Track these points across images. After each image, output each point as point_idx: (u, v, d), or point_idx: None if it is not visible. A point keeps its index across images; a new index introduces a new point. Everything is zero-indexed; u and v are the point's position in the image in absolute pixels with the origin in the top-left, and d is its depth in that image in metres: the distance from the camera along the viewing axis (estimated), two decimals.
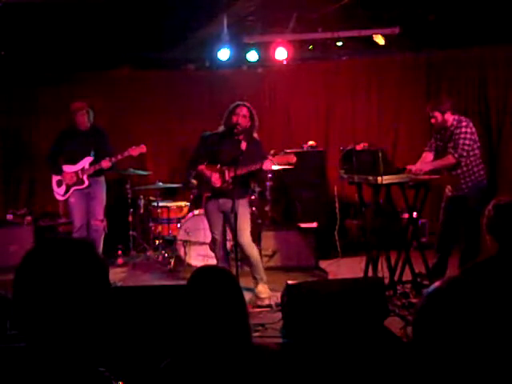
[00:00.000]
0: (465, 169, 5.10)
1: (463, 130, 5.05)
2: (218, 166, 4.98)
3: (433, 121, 5.22)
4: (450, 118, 5.14)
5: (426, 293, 1.34)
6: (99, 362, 1.37)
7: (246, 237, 5.01)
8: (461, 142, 5.03)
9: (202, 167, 5.08)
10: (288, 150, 7.26)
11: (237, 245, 4.94)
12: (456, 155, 5.03)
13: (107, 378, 1.35)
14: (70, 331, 1.32)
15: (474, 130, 5.12)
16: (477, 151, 5.14)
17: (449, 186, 5.27)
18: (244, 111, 4.96)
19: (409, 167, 5.15)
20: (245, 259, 5.14)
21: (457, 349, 1.23)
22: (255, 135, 5.06)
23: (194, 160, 5.20)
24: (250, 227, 5.12)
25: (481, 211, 5.12)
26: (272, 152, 5.15)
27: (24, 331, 1.32)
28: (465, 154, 5.04)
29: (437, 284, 1.35)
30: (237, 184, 4.85)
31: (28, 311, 1.31)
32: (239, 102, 5.05)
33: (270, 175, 6.41)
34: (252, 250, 5.06)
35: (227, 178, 4.88)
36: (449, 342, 1.24)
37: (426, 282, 5.08)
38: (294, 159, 4.82)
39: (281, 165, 4.94)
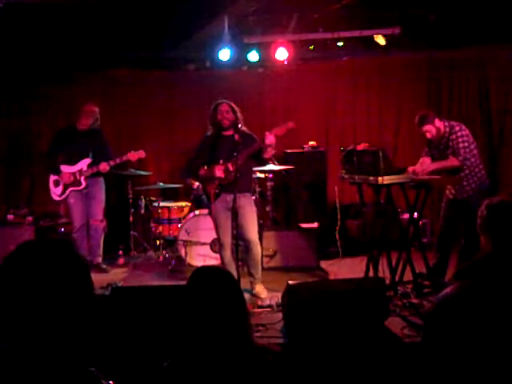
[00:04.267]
0: (467, 171, 5.09)
1: (459, 134, 5.06)
2: (221, 161, 5.03)
3: (429, 136, 5.16)
4: (440, 124, 5.13)
5: (437, 299, 1.34)
6: (88, 362, 1.37)
7: (254, 233, 5.09)
8: (461, 145, 5.03)
9: (202, 171, 5.14)
10: (289, 151, 7.29)
11: (238, 244, 4.95)
12: (460, 158, 5.02)
13: (96, 377, 1.35)
14: (54, 330, 1.32)
15: (467, 131, 5.13)
16: (475, 151, 5.14)
17: (450, 188, 5.26)
18: (225, 107, 5.07)
19: (411, 169, 5.15)
20: (246, 256, 5.17)
21: (466, 353, 1.23)
22: (243, 128, 5.09)
23: (193, 163, 5.25)
24: (256, 224, 5.18)
25: None
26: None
27: (8, 332, 1.32)
28: (468, 156, 5.05)
29: (447, 291, 1.35)
30: (241, 175, 4.88)
31: (11, 312, 1.32)
32: (218, 101, 5.16)
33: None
34: (257, 248, 5.11)
35: (231, 169, 4.94)
36: (458, 347, 1.24)
37: (426, 283, 5.09)
38: (291, 125, 4.89)
39: (280, 134, 4.96)
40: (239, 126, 5.02)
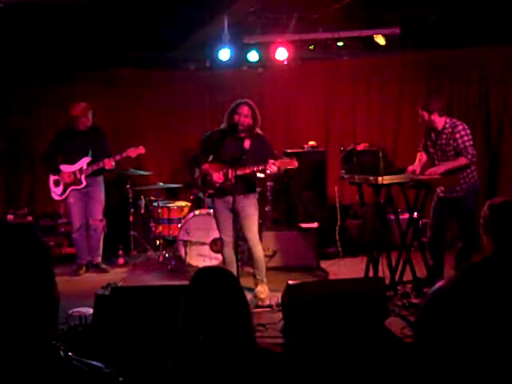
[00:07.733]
0: (459, 172, 5.11)
1: (463, 133, 5.07)
2: (222, 165, 4.97)
3: (420, 120, 5.26)
4: (437, 119, 5.14)
5: (428, 295, 1.34)
6: (51, 336, 1.38)
7: (253, 234, 5.07)
8: (467, 144, 5.05)
9: (206, 166, 5.07)
10: (289, 151, 7.28)
11: (238, 244, 4.95)
12: (469, 156, 5.03)
13: (55, 347, 1.36)
14: (10, 309, 1.34)
15: (469, 130, 5.15)
16: None
17: (441, 187, 5.25)
18: (246, 111, 4.96)
19: (410, 169, 5.16)
20: (250, 259, 5.17)
21: (457, 348, 1.23)
22: (258, 131, 5.07)
23: (198, 157, 5.19)
24: (257, 224, 5.16)
25: (476, 211, 5.16)
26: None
27: None
28: (475, 153, 5.08)
29: (438, 285, 1.35)
30: (240, 182, 4.85)
31: None
32: (241, 101, 5.05)
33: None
34: (257, 249, 5.09)
35: (230, 176, 4.87)
36: (450, 341, 1.24)
37: (426, 283, 5.09)
38: (295, 164, 4.82)
39: (282, 169, 4.92)
40: (254, 130, 5.00)
